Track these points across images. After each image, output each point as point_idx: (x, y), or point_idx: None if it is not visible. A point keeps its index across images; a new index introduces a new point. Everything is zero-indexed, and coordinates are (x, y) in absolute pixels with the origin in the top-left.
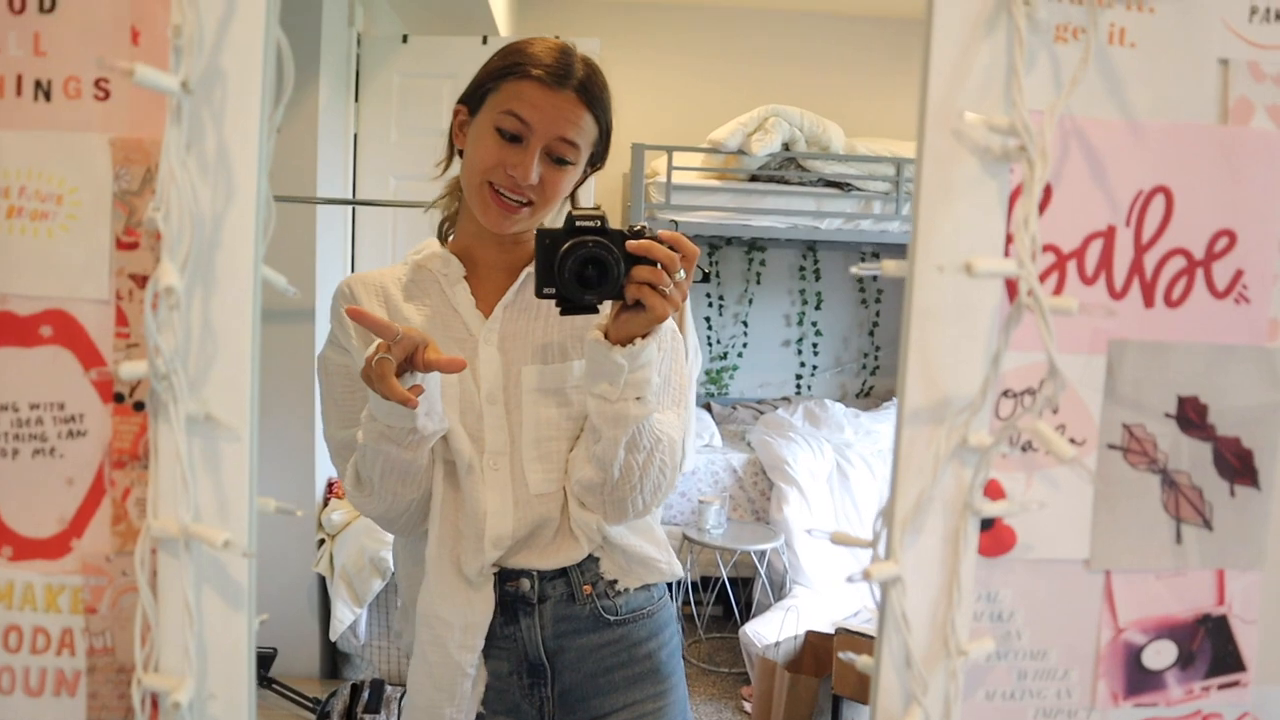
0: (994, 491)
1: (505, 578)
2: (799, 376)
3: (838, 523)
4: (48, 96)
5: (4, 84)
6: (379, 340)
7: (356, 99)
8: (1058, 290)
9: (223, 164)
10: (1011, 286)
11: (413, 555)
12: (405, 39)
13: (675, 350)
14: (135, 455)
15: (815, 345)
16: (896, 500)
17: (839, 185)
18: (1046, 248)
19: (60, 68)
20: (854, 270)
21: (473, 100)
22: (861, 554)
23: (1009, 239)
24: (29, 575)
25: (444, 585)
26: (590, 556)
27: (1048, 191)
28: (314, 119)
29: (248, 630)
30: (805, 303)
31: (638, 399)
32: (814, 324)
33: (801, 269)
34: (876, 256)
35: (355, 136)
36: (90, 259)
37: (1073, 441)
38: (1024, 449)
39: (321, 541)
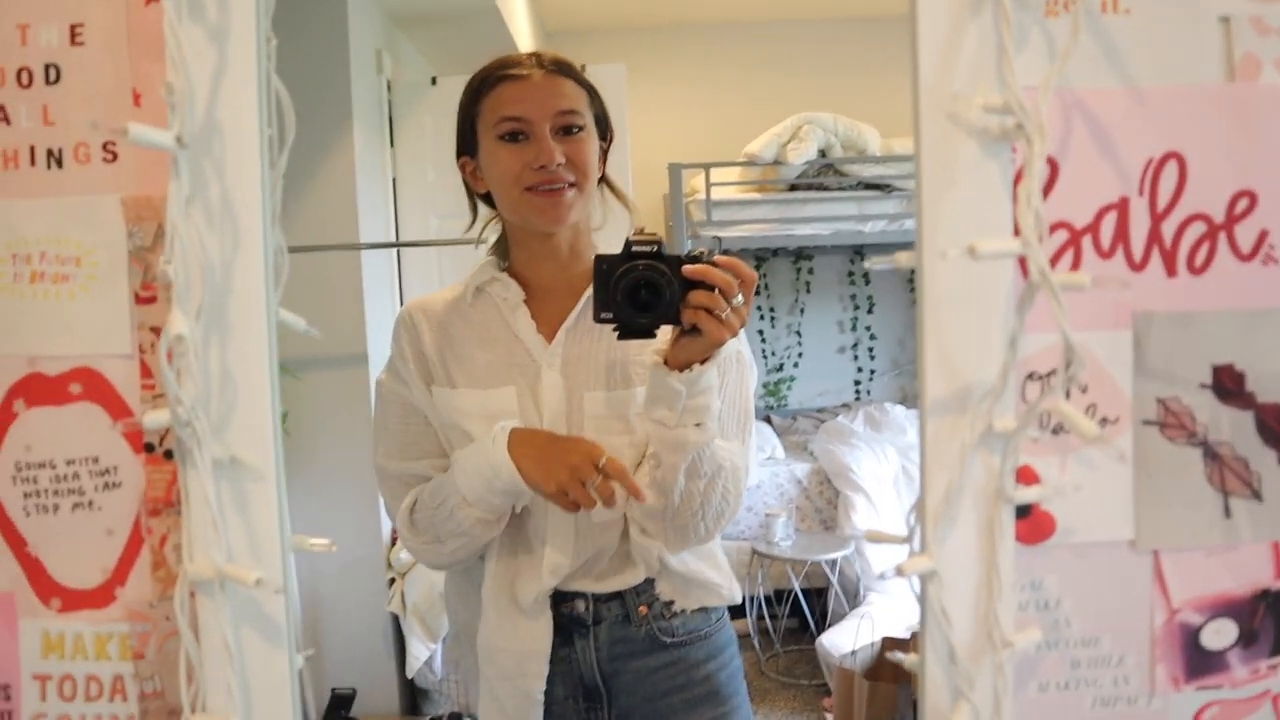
0: (1028, 477)
1: (560, 599)
2: (857, 382)
3: (906, 526)
4: (59, 163)
5: (19, 156)
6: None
7: (392, 144)
8: (1074, 267)
9: (228, 213)
10: (1025, 267)
11: (461, 589)
12: (434, 81)
13: (741, 377)
14: (169, 502)
15: (871, 349)
16: (927, 493)
17: (879, 187)
18: (1058, 225)
19: (69, 135)
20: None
21: (467, 145)
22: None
23: (1017, 219)
24: (78, 625)
25: (502, 619)
26: (647, 579)
27: (1054, 168)
28: (351, 167)
29: (290, 666)
30: (857, 308)
31: (697, 425)
32: (868, 328)
33: (850, 274)
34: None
35: (394, 180)
36: (112, 316)
37: (1104, 420)
38: (1054, 432)
39: (392, 581)
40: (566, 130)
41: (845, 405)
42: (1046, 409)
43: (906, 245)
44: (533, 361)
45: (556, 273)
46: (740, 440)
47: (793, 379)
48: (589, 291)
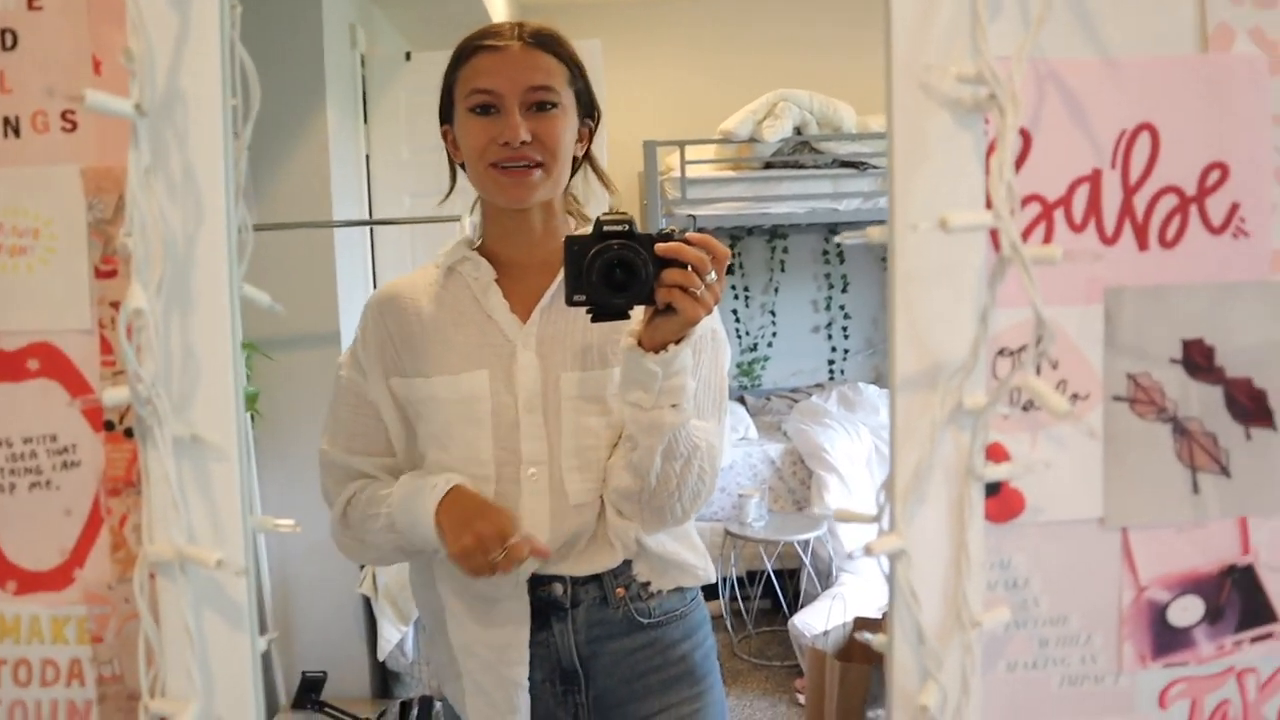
0: (998, 454)
1: (537, 583)
2: (831, 362)
3: (876, 504)
4: (17, 133)
5: None
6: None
7: (366, 120)
8: (1046, 240)
9: (190, 184)
10: (997, 241)
11: (426, 580)
12: (408, 57)
13: (716, 355)
14: (129, 482)
15: (845, 329)
16: (896, 470)
17: (855, 165)
18: (1030, 198)
19: (27, 103)
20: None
21: (446, 112)
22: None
23: (989, 192)
24: (34, 608)
25: (473, 613)
26: (625, 561)
27: (1026, 139)
28: (324, 144)
29: (252, 649)
30: (831, 287)
31: (673, 406)
32: (842, 307)
33: (825, 253)
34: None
35: (367, 158)
36: (70, 290)
37: (1075, 397)
38: (1025, 408)
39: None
40: (539, 106)
41: (819, 385)
42: (1017, 385)
43: (882, 222)
44: (507, 341)
45: (530, 250)
46: (715, 419)
47: (767, 359)
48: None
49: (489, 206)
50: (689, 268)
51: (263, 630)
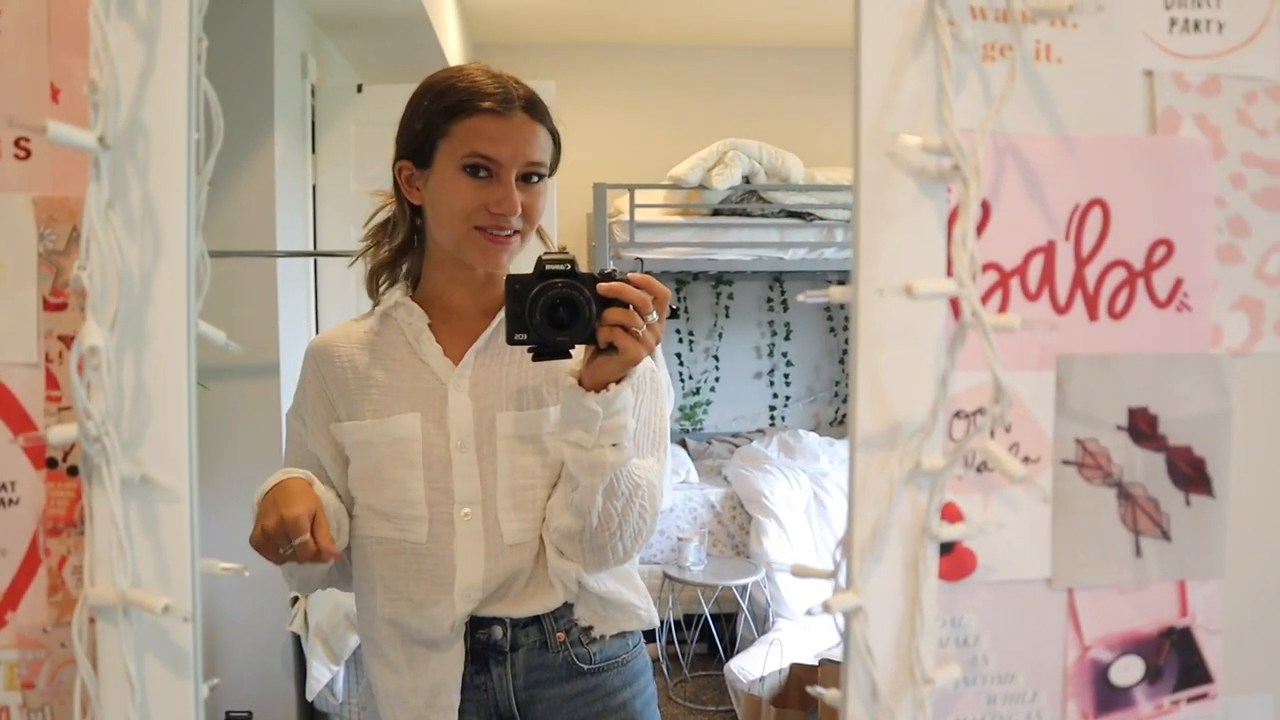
0: (952, 514)
1: (476, 625)
2: (772, 408)
3: (817, 552)
4: None
5: None
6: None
7: (314, 150)
8: (1002, 308)
9: (149, 220)
10: (956, 306)
11: (367, 623)
12: (360, 89)
13: (654, 393)
14: (71, 522)
15: (787, 376)
16: (854, 529)
17: (801, 215)
18: (988, 266)
19: None
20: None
21: (418, 153)
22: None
23: (951, 259)
24: None
25: (403, 658)
26: (565, 603)
27: (986, 209)
28: (270, 173)
29: (195, 698)
30: (775, 334)
31: (614, 445)
32: (784, 355)
33: (769, 300)
34: (842, 284)
35: (314, 188)
36: (17, 322)
37: (1026, 459)
38: (979, 470)
39: (295, 600)
40: (528, 178)
41: (760, 430)
42: (975, 449)
43: (826, 274)
44: (439, 384)
45: (469, 297)
46: (655, 458)
47: (709, 403)
48: (501, 314)
49: (439, 254)
50: (631, 307)
51: (206, 675)
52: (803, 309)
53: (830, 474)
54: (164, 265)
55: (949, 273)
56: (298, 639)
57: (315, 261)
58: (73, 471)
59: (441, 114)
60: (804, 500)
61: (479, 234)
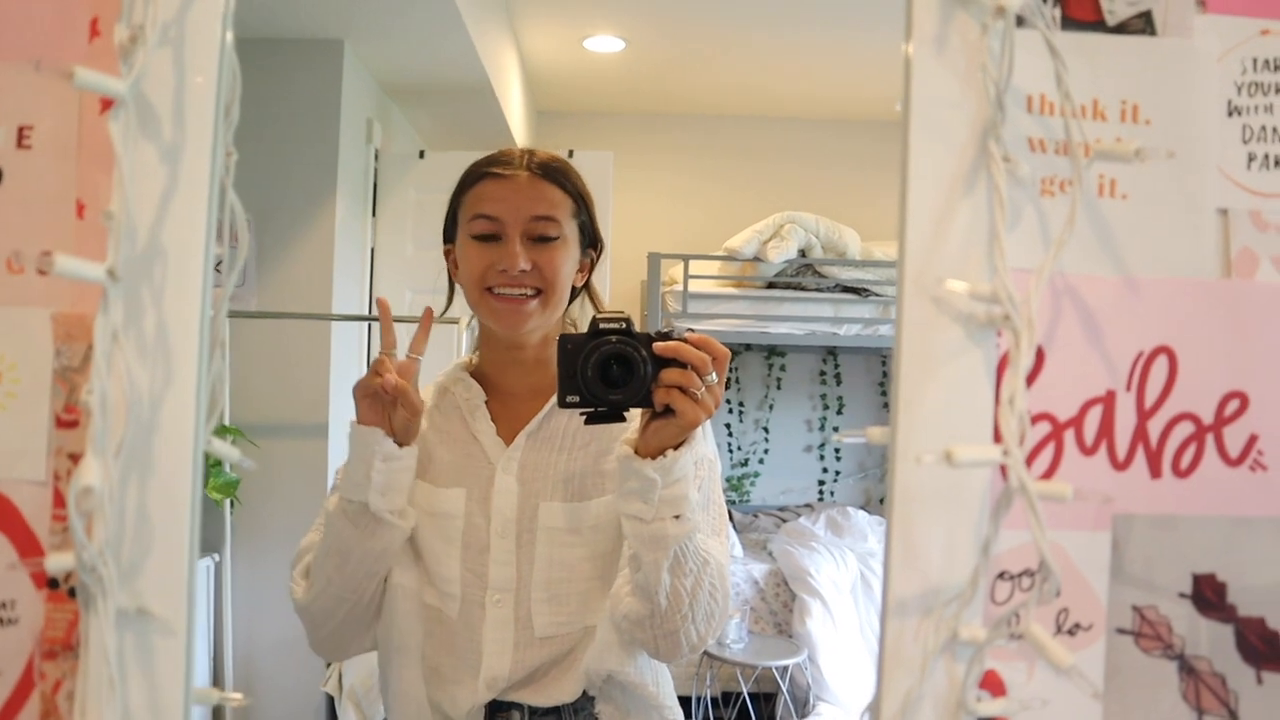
0: (993, 684)
1: (495, 708)
2: (821, 483)
3: (862, 634)
4: None
5: None
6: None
7: (374, 214)
8: (1054, 462)
9: (161, 344)
10: (1004, 468)
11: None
12: (422, 155)
13: (712, 472)
14: (68, 645)
15: (837, 451)
16: (883, 699)
17: (856, 290)
18: (1040, 416)
19: (4, 243)
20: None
21: (448, 231)
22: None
23: (998, 417)
24: None
25: None
26: (586, 695)
27: (1040, 356)
28: (331, 235)
29: None
30: (827, 408)
31: (676, 517)
32: (835, 429)
33: (822, 374)
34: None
35: (372, 251)
36: (28, 438)
37: (1077, 627)
38: (1021, 636)
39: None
40: (540, 238)
41: (808, 505)
42: (1019, 634)
43: (880, 350)
44: (489, 464)
45: (521, 378)
46: (719, 540)
47: (757, 474)
48: (553, 399)
49: (486, 331)
50: (689, 368)
51: None
52: (855, 384)
53: (878, 554)
54: (174, 391)
55: (995, 427)
56: (331, 701)
57: (369, 325)
58: (73, 593)
59: (459, 190)
60: (850, 580)
61: (490, 296)
